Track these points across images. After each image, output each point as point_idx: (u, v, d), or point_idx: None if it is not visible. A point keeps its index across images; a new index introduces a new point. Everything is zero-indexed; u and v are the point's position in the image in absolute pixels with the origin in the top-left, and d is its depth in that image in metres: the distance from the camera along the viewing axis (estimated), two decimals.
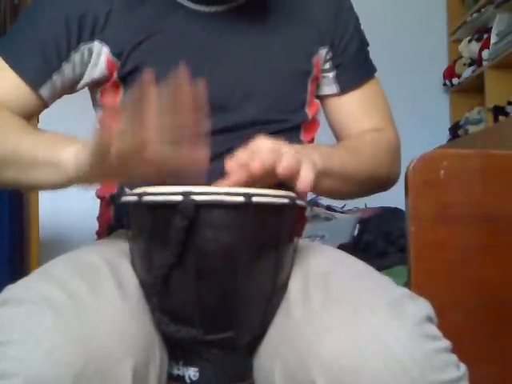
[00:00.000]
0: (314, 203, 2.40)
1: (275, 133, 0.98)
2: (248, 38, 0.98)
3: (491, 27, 2.76)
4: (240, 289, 0.72)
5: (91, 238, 1.07)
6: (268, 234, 0.74)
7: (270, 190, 0.74)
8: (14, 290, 0.70)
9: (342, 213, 2.47)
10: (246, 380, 0.80)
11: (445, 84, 3.15)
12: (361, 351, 0.67)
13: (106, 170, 0.74)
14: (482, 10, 2.87)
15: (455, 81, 3.05)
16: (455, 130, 2.99)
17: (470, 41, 2.95)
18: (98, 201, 1.07)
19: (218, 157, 0.84)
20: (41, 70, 0.94)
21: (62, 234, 2.64)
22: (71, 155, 0.78)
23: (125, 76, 0.95)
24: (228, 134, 0.94)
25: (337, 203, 2.54)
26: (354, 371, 0.67)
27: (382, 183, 1.04)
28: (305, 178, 0.77)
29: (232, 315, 0.74)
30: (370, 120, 1.06)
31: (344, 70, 1.06)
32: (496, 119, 2.69)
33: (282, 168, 0.75)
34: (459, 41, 3.08)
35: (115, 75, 0.95)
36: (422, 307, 0.72)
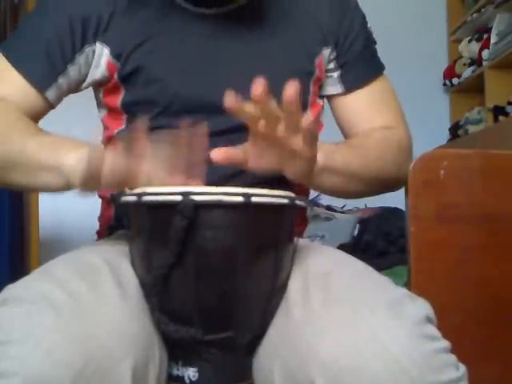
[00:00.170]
0: (314, 203, 2.40)
1: None
2: (248, 39, 0.98)
3: (491, 27, 2.76)
4: (239, 289, 0.72)
5: (91, 238, 1.07)
6: (267, 234, 0.74)
7: (269, 190, 0.74)
8: (14, 289, 0.70)
9: (342, 213, 2.47)
10: (246, 380, 0.80)
11: (445, 84, 3.15)
12: (360, 351, 0.67)
13: (99, 184, 0.76)
14: (482, 10, 2.87)
15: (455, 81, 3.05)
16: (455, 130, 2.99)
17: (470, 41, 2.96)
18: (99, 201, 1.07)
19: None
20: (46, 73, 0.94)
21: (62, 234, 2.64)
22: (73, 161, 0.79)
23: (125, 77, 0.95)
24: (229, 136, 0.94)
25: (337, 203, 2.54)
26: (353, 371, 0.67)
27: (391, 183, 1.02)
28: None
29: (231, 315, 0.74)
30: (380, 118, 1.05)
31: (349, 70, 1.04)
32: (496, 119, 2.69)
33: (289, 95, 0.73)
34: (459, 41, 3.08)
35: (115, 77, 0.96)
36: (421, 307, 0.72)
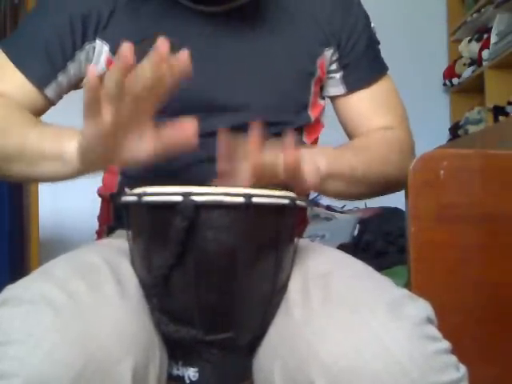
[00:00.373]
0: (314, 203, 2.40)
1: (277, 134, 0.98)
2: (250, 38, 0.98)
3: (491, 27, 2.76)
4: (240, 289, 0.72)
5: (91, 238, 1.07)
6: (268, 235, 0.74)
7: (270, 190, 0.74)
8: (14, 289, 0.70)
9: (342, 213, 2.47)
10: (246, 380, 0.80)
11: (445, 84, 3.15)
12: (360, 352, 0.67)
13: (105, 148, 0.74)
14: (482, 10, 2.87)
15: (455, 81, 3.05)
16: (455, 130, 3.00)
17: (470, 41, 2.96)
18: (99, 200, 1.07)
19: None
20: (46, 70, 0.94)
21: (62, 234, 2.64)
22: (75, 147, 0.79)
23: None
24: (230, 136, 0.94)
25: (337, 203, 2.54)
26: (353, 372, 0.67)
27: (393, 185, 1.02)
28: (310, 181, 0.77)
29: (232, 315, 0.73)
30: (381, 118, 1.04)
31: (352, 70, 1.04)
32: (496, 119, 2.69)
33: (285, 164, 0.75)
34: (459, 41, 3.08)
35: None
36: (421, 308, 0.72)
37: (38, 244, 2.46)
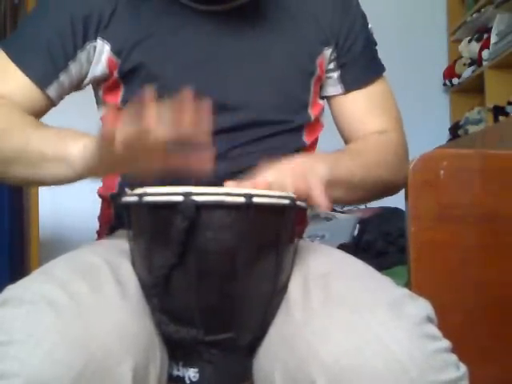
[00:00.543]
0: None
1: (277, 134, 0.98)
2: (250, 37, 0.98)
3: (491, 27, 2.76)
4: (240, 289, 0.72)
5: (92, 238, 1.07)
6: (268, 235, 0.74)
7: (270, 190, 0.74)
8: (14, 290, 0.70)
9: (342, 213, 2.47)
10: (246, 381, 0.80)
11: (445, 84, 3.15)
12: (361, 351, 0.67)
13: (113, 162, 0.74)
14: (482, 10, 2.87)
15: (455, 81, 3.05)
16: (455, 130, 2.99)
17: (470, 41, 2.95)
18: (99, 201, 1.07)
19: (220, 157, 0.84)
20: (47, 70, 0.94)
21: (63, 234, 2.64)
22: (79, 150, 0.79)
23: (125, 74, 0.95)
24: (230, 135, 0.94)
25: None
26: (353, 371, 0.67)
27: (389, 189, 1.02)
28: (320, 199, 0.78)
29: (232, 316, 0.74)
30: (377, 119, 1.04)
31: (349, 70, 1.04)
32: (496, 119, 2.69)
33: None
34: (459, 41, 3.08)
35: (115, 74, 0.96)
36: (421, 307, 0.72)
37: (38, 244, 2.46)
